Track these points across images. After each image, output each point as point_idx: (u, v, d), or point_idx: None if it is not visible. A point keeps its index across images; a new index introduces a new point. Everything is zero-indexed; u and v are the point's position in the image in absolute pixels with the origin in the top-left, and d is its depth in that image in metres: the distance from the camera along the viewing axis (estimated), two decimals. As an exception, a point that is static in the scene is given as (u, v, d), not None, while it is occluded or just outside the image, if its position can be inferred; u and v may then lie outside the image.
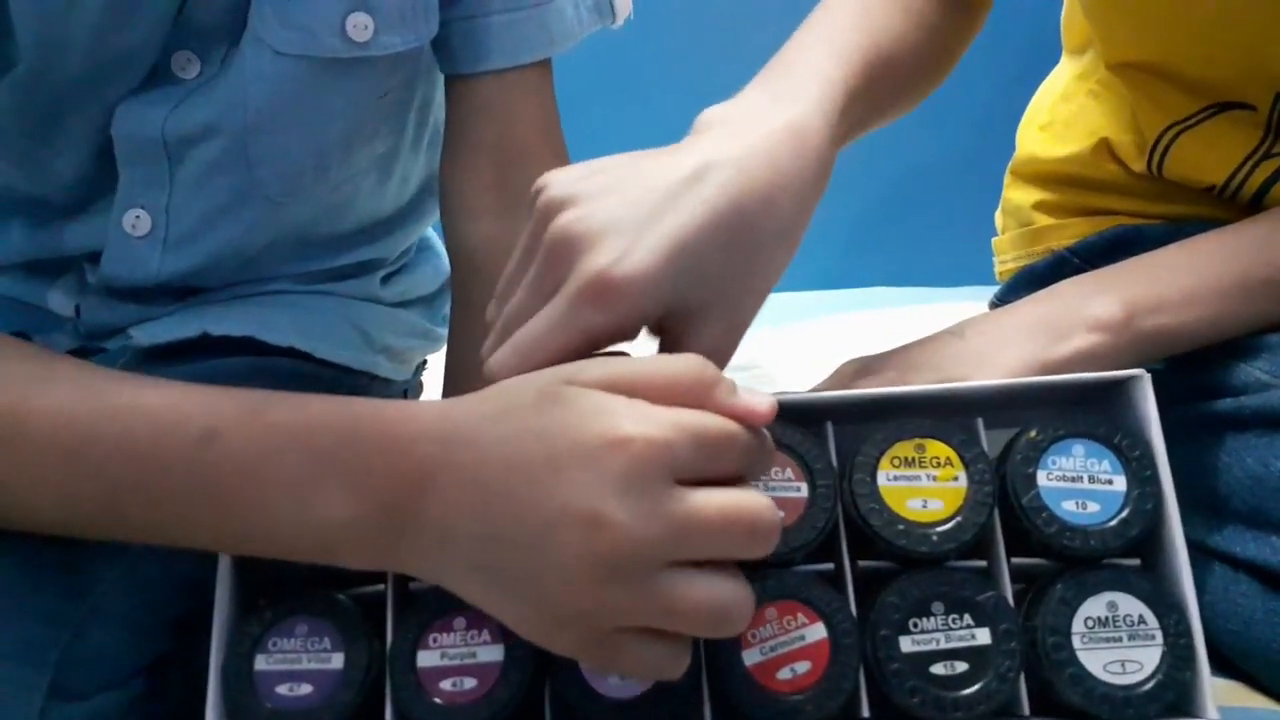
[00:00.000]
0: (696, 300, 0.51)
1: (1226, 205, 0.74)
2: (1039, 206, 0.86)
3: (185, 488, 0.47)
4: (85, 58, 0.64)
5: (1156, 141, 0.74)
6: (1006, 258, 0.89)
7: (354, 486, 0.45)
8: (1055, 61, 0.91)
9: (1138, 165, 0.75)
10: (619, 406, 0.44)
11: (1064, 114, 0.85)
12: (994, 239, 0.92)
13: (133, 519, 0.49)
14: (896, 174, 1.88)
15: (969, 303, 1.08)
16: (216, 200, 0.72)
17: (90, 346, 0.76)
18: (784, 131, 0.54)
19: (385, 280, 0.85)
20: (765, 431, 0.47)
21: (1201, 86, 0.71)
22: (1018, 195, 0.89)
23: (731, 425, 0.45)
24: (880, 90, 0.66)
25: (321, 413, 0.47)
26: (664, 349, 0.52)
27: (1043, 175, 0.86)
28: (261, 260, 0.76)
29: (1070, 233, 0.83)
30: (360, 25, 0.67)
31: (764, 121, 0.55)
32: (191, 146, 0.69)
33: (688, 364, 0.46)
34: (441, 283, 0.91)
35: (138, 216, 0.71)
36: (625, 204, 0.50)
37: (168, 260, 0.72)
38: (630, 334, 0.50)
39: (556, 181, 0.53)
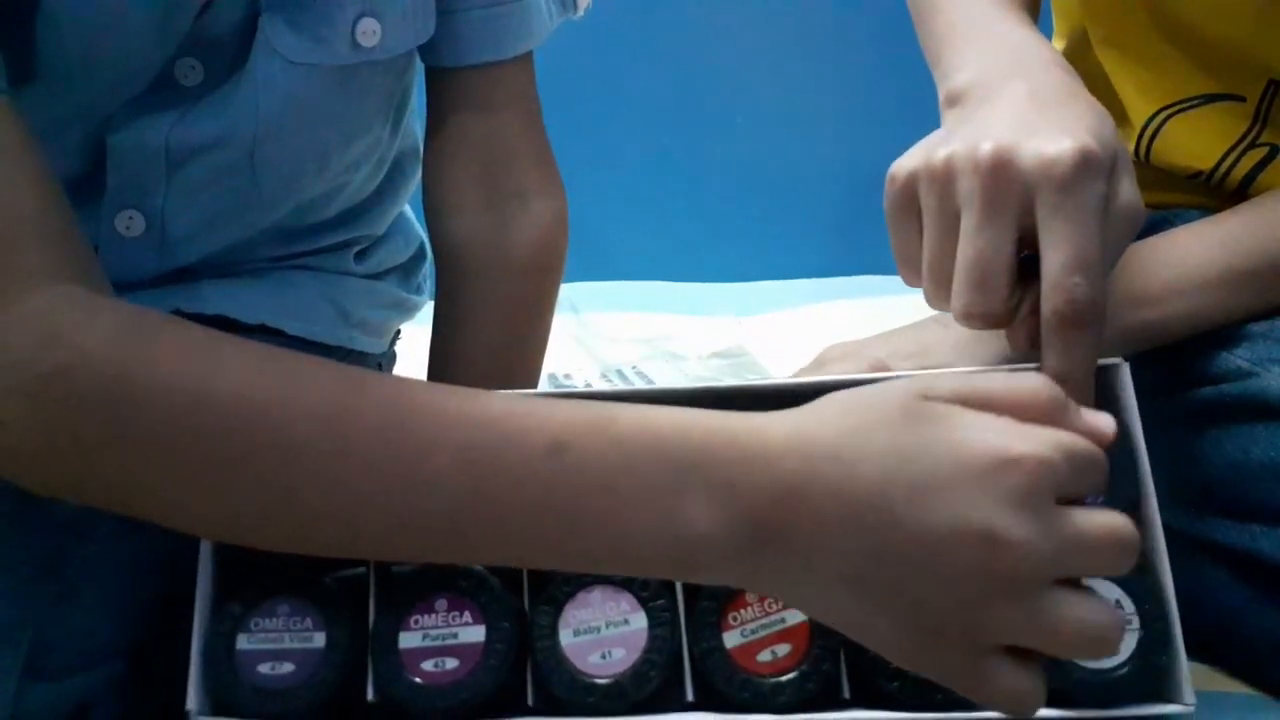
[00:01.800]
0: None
1: (1212, 193, 0.74)
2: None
3: (534, 502, 0.44)
4: (108, 73, 0.63)
5: (1145, 126, 0.74)
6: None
7: (718, 499, 0.43)
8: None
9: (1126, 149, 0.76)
10: (998, 424, 0.43)
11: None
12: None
13: (470, 536, 0.45)
14: (885, 161, 1.88)
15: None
16: (217, 205, 0.71)
17: None
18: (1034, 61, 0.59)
19: (360, 255, 0.84)
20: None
21: (1192, 72, 0.71)
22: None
23: (1094, 446, 0.44)
24: None
25: (671, 424, 0.45)
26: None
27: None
28: (243, 246, 0.76)
29: (1058, 219, 0.83)
30: (369, 31, 0.67)
31: (1010, 61, 0.59)
32: (196, 156, 0.68)
33: (1039, 383, 0.45)
34: (414, 249, 0.90)
35: (130, 218, 0.69)
36: (1005, 122, 0.53)
37: (165, 259, 0.71)
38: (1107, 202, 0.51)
39: (908, 156, 0.55)
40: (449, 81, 0.74)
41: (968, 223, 0.51)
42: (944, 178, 0.52)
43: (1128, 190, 0.52)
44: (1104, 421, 0.45)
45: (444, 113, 0.75)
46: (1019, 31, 0.62)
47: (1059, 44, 0.88)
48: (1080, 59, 0.82)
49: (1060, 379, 0.47)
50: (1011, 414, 0.44)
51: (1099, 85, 0.79)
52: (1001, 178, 0.50)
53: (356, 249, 0.84)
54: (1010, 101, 0.55)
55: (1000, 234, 0.50)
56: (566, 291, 1.43)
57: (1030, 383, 0.45)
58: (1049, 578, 0.42)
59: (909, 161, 0.54)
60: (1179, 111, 0.73)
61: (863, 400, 0.45)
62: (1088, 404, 0.47)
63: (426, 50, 0.74)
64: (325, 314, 0.79)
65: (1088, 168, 0.49)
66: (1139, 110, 0.74)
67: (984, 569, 0.41)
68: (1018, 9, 0.65)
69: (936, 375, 0.47)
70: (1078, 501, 0.43)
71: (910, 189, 0.54)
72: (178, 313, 0.70)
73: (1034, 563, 0.41)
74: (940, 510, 0.41)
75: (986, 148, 0.50)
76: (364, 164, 0.78)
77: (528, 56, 0.75)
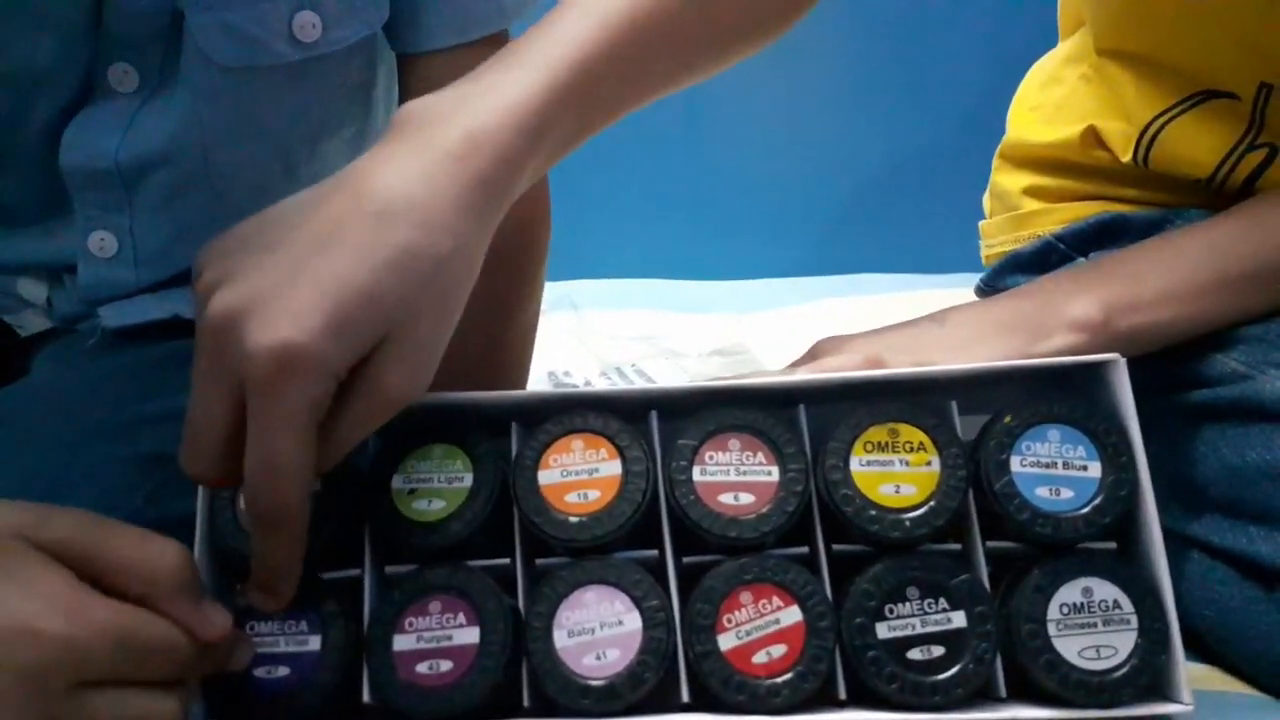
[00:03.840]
0: (376, 344, 0.47)
1: (1214, 196, 0.74)
2: (1027, 191, 0.86)
3: None
4: (24, 70, 0.62)
5: (1143, 132, 0.74)
6: (993, 242, 0.89)
7: None
8: (1047, 46, 0.91)
9: (1125, 155, 0.75)
10: (54, 590, 0.42)
11: (1054, 97, 0.84)
12: (981, 223, 0.92)
13: None
14: (883, 159, 1.88)
15: (955, 289, 1.08)
16: (185, 218, 0.70)
17: (62, 327, 0.75)
18: (462, 144, 0.50)
19: None
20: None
21: (1187, 74, 0.71)
22: (1005, 180, 0.89)
23: (173, 636, 0.44)
24: (661, 52, 0.59)
25: None
26: (349, 399, 0.47)
27: (1031, 159, 0.86)
28: None
29: (1057, 218, 0.83)
30: (308, 24, 0.64)
31: (446, 131, 0.50)
32: (150, 172, 0.67)
33: (171, 556, 0.45)
34: None
35: (103, 239, 0.69)
36: (287, 261, 0.46)
37: (144, 274, 0.71)
38: (325, 402, 0.46)
39: (211, 258, 0.49)
40: (415, 67, 0.71)
41: (193, 377, 0.48)
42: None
43: (392, 372, 0.47)
44: (211, 622, 0.46)
45: (412, 96, 0.71)
46: (479, 116, 0.52)
47: (1063, 44, 0.88)
48: (1083, 57, 0.81)
49: (258, 565, 0.47)
50: (117, 577, 0.44)
51: (1103, 84, 0.79)
52: (218, 348, 0.46)
53: None
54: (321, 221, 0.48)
55: (214, 400, 0.46)
56: (566, 289, 1.44)
57: (159, 552, 0.45)
58: None
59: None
60: (1176, 115, 0.72)
61: None
62: (283, 594, 0.48)
63: (389, 35, 0.70)
64: None
65: (286, 373, 0.44)
66: (1137, 116, 0.74)
67: None
68: None
69: (63, 513, 0.45)
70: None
71: None
72: (177, 318, 0.70)
73: None
74: None
75: (216, 305, 0.46)
76: (341, 157, 0.76)
77: (501, 36, 0.71)
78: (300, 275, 0.45)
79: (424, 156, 0.49)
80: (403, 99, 0.73)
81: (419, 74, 0.71)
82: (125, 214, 0.68)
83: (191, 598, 0.45)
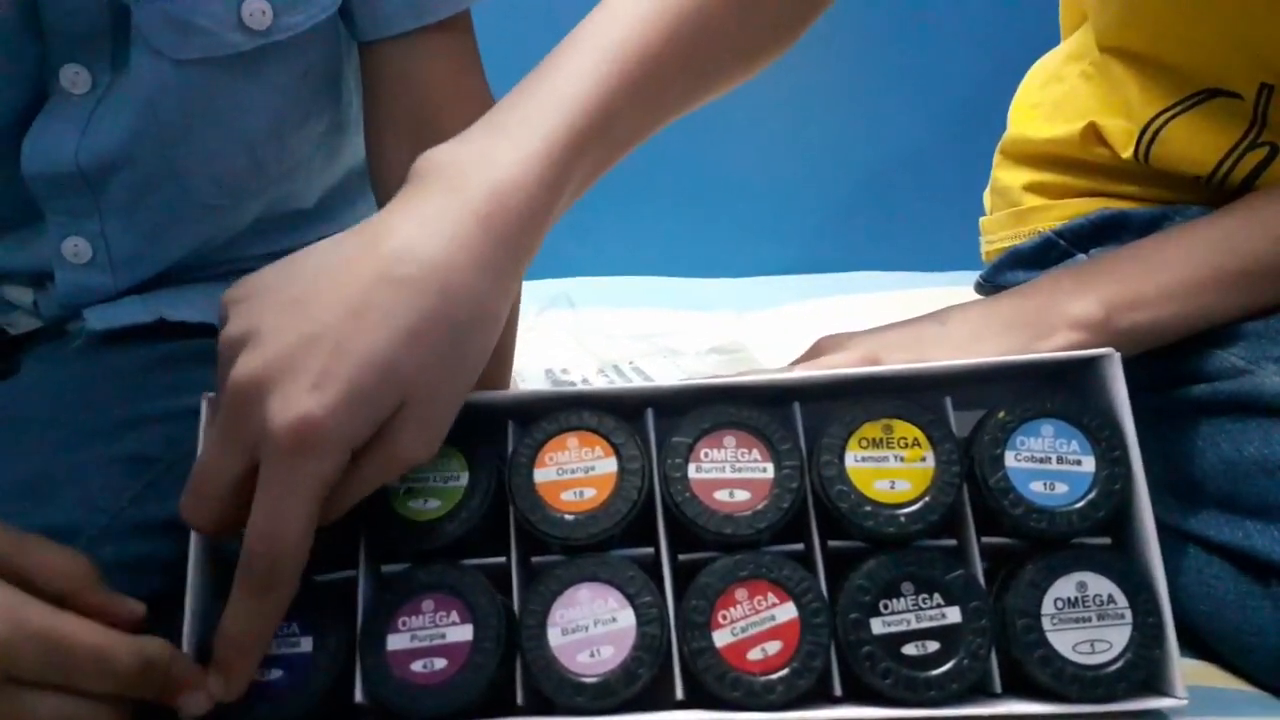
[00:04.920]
0: (395, 409, 0.47)
1: (1214, 193, 0.74)
2: (1028, 188, 0.86)
3: None
4: None
5: (1144, 129, 0.74)
6: (993, 238, 0.89)
7: None
8: (1047, 44, 0.91)
9: (1126, 152, 0.75)
10: None
11: (1055, 94, 0.84)
12: (981, 219, 0.92)
13: None
14: (882, 157, 1.87)
15: (955, 288, 1.07)
16: (154, 218, 0.69)
17: (52, 327, 0.75)
18: (487, 202, 0.50)
19: None
20: (159, 659, 0.46)
21: (1189, 73, 0.71)
22: (1006, 176, 0.89)
23: (104, 642, 0.44)
24: (673, 80, 0.59)
25: None
26: (361, 461, 0.47)
27: (1032, 155, 0.86)
28: (224, 249, 0.75)
29: (1057, 214, 0.83)
30: (257, 12, 0.63)
31: (471, 185, 0.50)
32: (113, 173, 0.66)
33: (82, 557, 0.47)
34: None
35: (76, 246, 0.68)
36: (309, 327, 0.46)
37: (121, 278, 0.70)
38: (337, 475, 0.46)
39: (237, 307, 0.49)
40: (374, 54, 0.70)
41: (212, 426, 0.48)
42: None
43: (407, 438, 0.47)
44: (130, 609, 0.47)
45: (373, 85, 0.70)
46: (500, 169, 0.51)
47: (1065, 42, 0.88)
48: (1085, 54, 0.81)
49: (223, 634, 0.47)
50: (42, 576, 0.45)
51: (1104, 81, 0.79)
52: (240, 413, 0.46)
53: None
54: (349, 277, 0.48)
55: (227, 458, 0.47)
56: (564, 287, 1.44)
57: (69, 555, 0.47)
58: None
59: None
60: (1178, 113, 0.72)
61: None
62: (241, 667, 0.47)
63: (345, 21, 0.69)
64: None
65: (304, 448, 0.44)
66: (1139, 113, 0.74)
67: None
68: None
69: None
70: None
71: None
72: (162, 321, 0.70)
73: None
74: None
75: (241, 370, 0.46)
76: (316, 153, 0.75)
77: (461, 17, 0.70)
78: (321, 343, 0.46)
79: (448, 213, 0.49)
80: (364, 88, 0.71)
81: (380, 62, 0.69)
82: (95, 219, 0.68)
83: (107, 592, 0.47)
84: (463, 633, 0.50)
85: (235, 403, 0.46)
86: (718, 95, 0.64)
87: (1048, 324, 0.62)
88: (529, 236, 0.51)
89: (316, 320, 0.46)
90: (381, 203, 0.72)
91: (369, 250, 0.48)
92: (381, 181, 0.72)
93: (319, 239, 0.80)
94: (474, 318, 0.49)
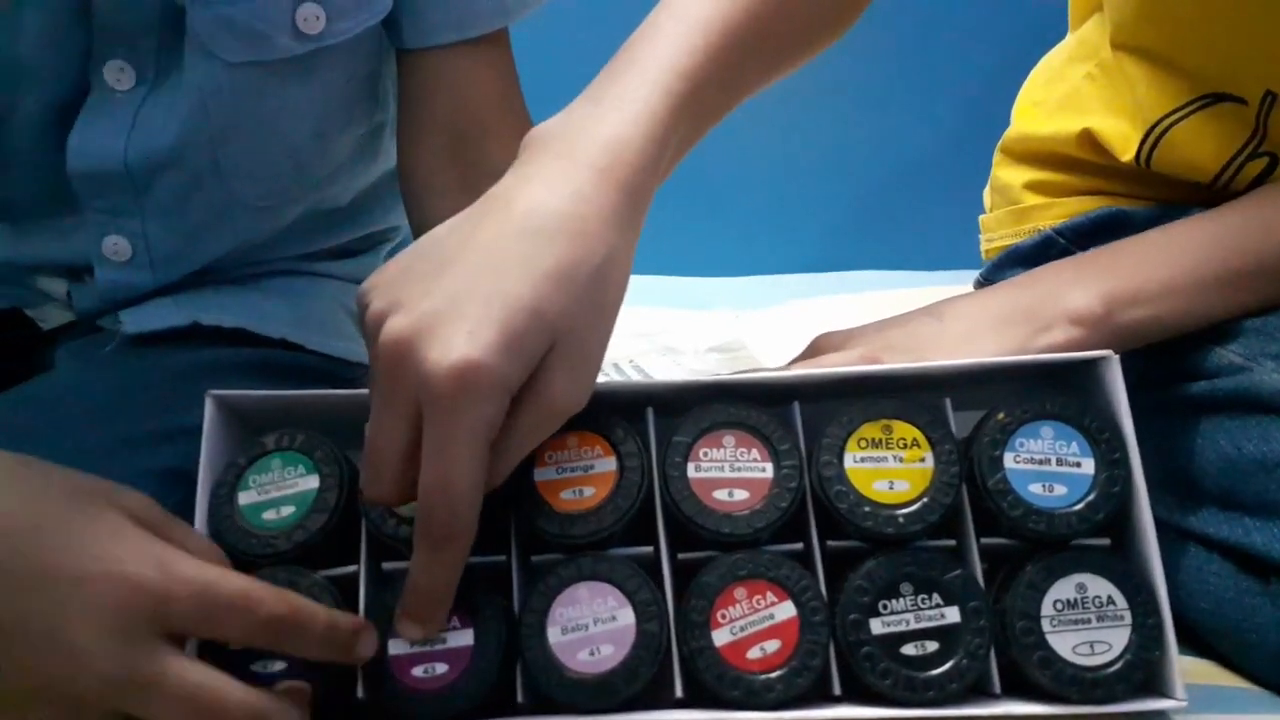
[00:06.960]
0: (545, 351, 0.48)
1: (1214, 200, 0.73)
2: (1028, 186, 0.86)
3: None
4: (15, 62, 0.62)
5: (1150, 131, 0.74)
6: (993, 236, 0.89)
7: None
8: (1048, 44, 0.91)
9: (1126, 156, 0.75)
10: (142, 542, 0.45)
11: (1057, 94, 0.84)
12: (981, 217, 0.92)
13: None
14: (882, 158, 1.88)
15: (955, 287, 1.07)
16: (196, 219, 0.70)
17: (84, 321, 0.75)
18: (603, 156, 0.52)
19: (395, 254, 0.83)
20: (313, 612, 0.47)
21: (1199, 74, 0.71)
22: (1007, 174, 0.89)
23: (250, 592, 0.46)
24: (753, 56, 0.61)
25: None
26: (518, 412, 0.48)
27: (1033, 154, 0.86)
28: (261, 249, 0.75)
29: (1057, 212, 0.82)
30: (311, 17, 0.64)
31: (584, 146, 0.52)
32: (159, 173, 0.67)
33: (210, 544, 0.50)
34: None
35: (116, 244, 0.69)
36: (454, 284, 0.48)
37: (160, 275, 0.71)
38: (500, 419, 0.47)
39: (376, 289, 0.50)
40: (416, 62, 0.71)
41: (371, 402, 0.49)
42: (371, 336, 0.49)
43: (560, 381, 0.48)
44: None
45: (412, 93, 0.72)
46: (609, 129, 0.53)
47: (1071, 38, 0.88)
48: (1090, 55, 0.81)
49: (413, 588, 0.48)
50: (191, 538, 0.49)
51: (1109, 84, 0.79)
52: (396, 372, 0.47)
53: (387, 248, 0.82)
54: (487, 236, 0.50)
55: (393, 423, 0.47)
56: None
57: (208, 545, 0.51)
58: (113, 708, 0.43)
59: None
60: (1185, 116, 0.72)
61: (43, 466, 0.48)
62: (436, 615, 0.48)
63: (389, 29, 0.70)
64: (344, 327, 0.77)
65: (467, 390, 0.45)
66: (1147, 113, 0.74)
67: (49, 675, 0.43)
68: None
69: (130, 490, 0.49)
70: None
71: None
72: (196, 325, 0.70)
73: (100, 683, 0.43)
74: (42, 609, 0.43)
75: (390, 331, 0.47)
76: (357, 156, 0.76)
77: (501, 32, 0.71)
78: (468, 296, 0.47)
79: (568, 171, 0.51)
80: (401, 95, 0.73)
81: (419, 71, 0.71)
82: (137, 218, 0.68)
83: (244, 577, 0.47)
84: (464, 637, 0.50)
85: (390, 362, 0.47)
86: (786, 74, 0.65)
87: (1045, 318, 0.62)
88: (644, 189, 0.53)
89: (459, 278, 0.48)
90: (410, 208, 0.74)
91: (499, 213, 0.50)
92: (413, 187, 0.73)
93: (352, 240, 0.80)
94: (607, 261, 0.50)
